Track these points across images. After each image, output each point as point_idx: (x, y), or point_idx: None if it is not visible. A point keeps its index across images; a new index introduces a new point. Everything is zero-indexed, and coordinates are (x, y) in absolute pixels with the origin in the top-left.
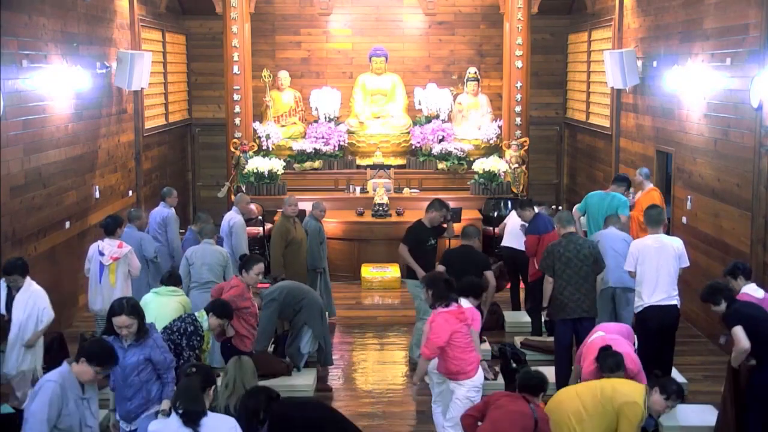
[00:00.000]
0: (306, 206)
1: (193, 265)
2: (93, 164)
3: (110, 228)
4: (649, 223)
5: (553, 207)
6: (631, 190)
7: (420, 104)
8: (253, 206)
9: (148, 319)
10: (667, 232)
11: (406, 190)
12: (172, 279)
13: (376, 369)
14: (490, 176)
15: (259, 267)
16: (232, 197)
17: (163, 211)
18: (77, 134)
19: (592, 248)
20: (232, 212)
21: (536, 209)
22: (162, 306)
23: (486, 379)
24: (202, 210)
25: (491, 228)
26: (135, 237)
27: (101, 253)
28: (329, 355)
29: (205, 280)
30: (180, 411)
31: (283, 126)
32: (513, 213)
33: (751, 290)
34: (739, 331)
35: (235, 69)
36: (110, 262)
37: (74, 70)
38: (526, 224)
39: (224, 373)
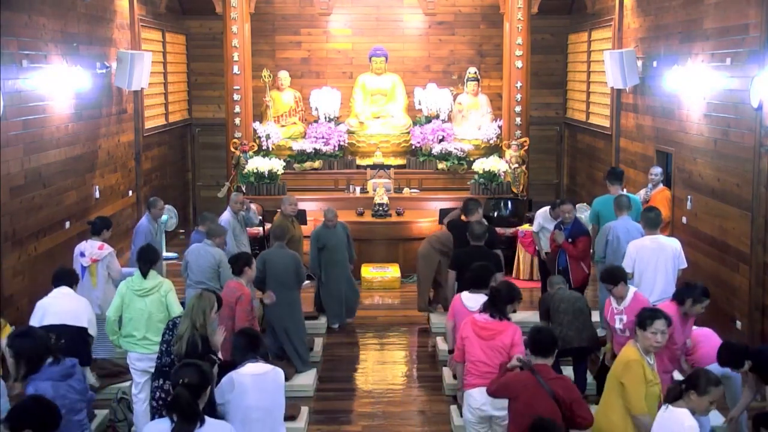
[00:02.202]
0: (306, 206)
1: (188, 264)
2: (93, 164)
3: (96, 228)
4: (645, 226)
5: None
6: (649, 186)
7: (420, 104)
8: (253, 206)
9: (136, 326)
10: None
11: (406, 190)
12: (147, 265)
13: (376, 369)
14: (490, 176)
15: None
16: None
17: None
18: (77, 134)
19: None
20: (225, 212)
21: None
22: (146, 310)
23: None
24: (209, 210)
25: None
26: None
27: (82, 254)
28: (300, 359)
29: (197, 280)
30: (173, 422)
31: (283, 126)
32: (539, 213)
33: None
34: None
35: (235, 69)
36: (89, 264)
37: (74, 70)
38: (560, 225)
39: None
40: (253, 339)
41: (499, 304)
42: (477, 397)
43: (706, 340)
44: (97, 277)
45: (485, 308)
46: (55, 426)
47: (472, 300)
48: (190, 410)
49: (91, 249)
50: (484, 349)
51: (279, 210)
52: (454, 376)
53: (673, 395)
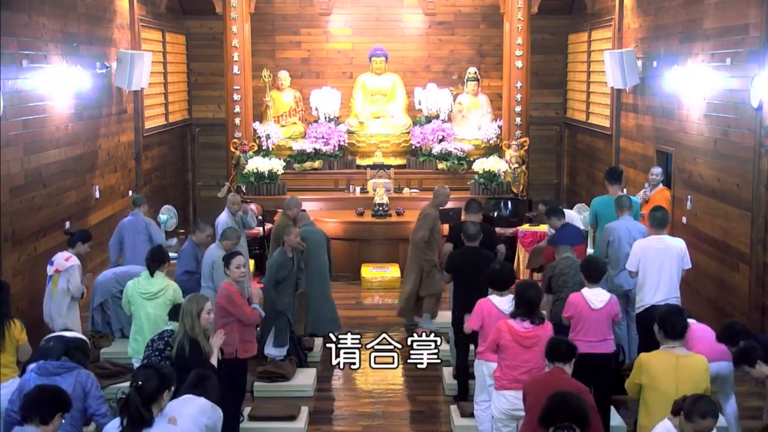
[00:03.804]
0: (306, 206)
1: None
2: (93, 164)
3: (71, 239)
4: (653, 225)
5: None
6: (647, 185)
7: (420, 104)
8: (253, 206)
9: (140, 330)
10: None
11: (406, 190)
12: (155, 264)
13: (376, 369)
14: (490, 176)
15: (238, 260)
16: None
17: (143, 219)
18: (77, 134)
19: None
20: (223, 213)
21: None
22: (152, 314)
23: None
24: (209, 210)
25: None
26: (141, 222)
27: (51, 263)
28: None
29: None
30: (122, 424)
31: (283, 126)
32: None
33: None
34: None
35: (235, 69)
36: (53, 273)
37: (74, 70)
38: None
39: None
40: (201, 382)
41: (536, 308)
42: (511, 400)
43: (703, 336)
44: (57, 287)
45: (518, 315)
46: (70, 405)
47: (506, 303)
48: (136, 414)
49: (59, 259)
50: (526, 357)
51: (280, 210)
52: (454, 377)
53: (675, 409)
